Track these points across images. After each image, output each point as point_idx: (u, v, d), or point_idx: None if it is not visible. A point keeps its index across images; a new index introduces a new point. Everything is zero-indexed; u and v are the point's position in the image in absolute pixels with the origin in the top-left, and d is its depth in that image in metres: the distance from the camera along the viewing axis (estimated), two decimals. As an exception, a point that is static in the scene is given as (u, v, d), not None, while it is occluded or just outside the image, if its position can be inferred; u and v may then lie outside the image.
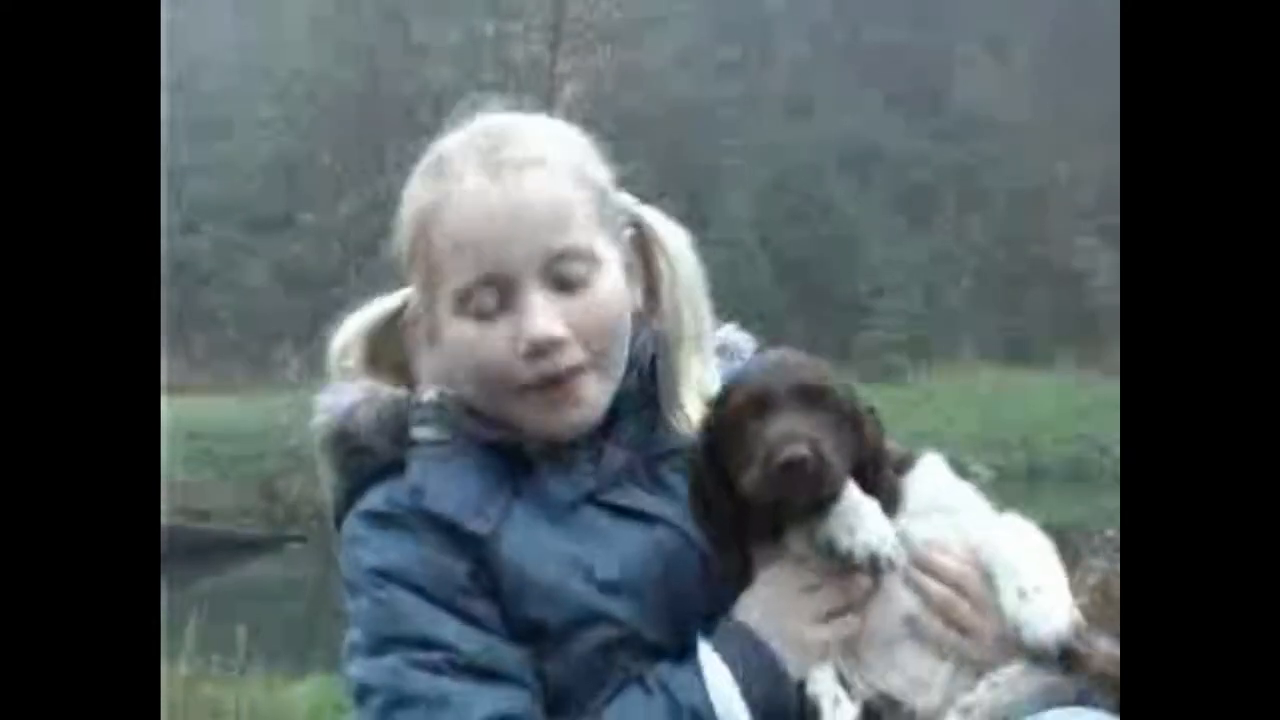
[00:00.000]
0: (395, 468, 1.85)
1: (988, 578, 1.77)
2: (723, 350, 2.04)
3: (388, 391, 1.91)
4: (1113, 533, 5.99)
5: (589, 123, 2.06)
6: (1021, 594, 1.72)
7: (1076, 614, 1.71)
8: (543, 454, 1.86)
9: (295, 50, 32.36)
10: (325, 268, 28.71)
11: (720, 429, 1.79)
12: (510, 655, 1.76)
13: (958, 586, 1.77)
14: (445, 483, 1.82)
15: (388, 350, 1.99)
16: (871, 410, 1.84)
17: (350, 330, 1.99)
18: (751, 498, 1.74)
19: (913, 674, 1.77)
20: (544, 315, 1.79)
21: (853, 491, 1.75)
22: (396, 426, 1.87)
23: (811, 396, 1.76)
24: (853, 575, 1.76)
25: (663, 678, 1.75)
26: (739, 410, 1.77)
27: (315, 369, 2.02)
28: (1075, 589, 1.77)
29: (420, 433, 1.87)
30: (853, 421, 1.78)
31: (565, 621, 1.76)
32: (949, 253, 35.72)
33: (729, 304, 2.06)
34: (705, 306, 1.97)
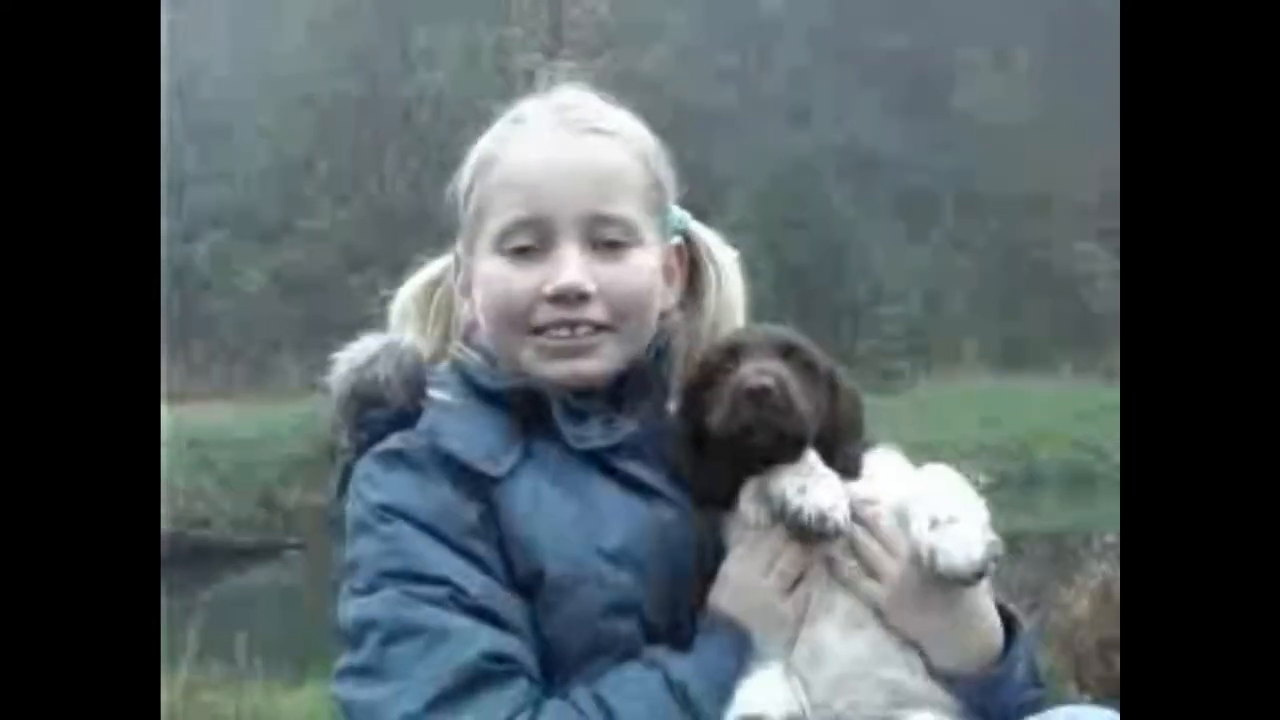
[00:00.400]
0: (411, 419, 1.86)
1: (901, 517, 1.79)
2: None
3: (409, 342, 1.95)
4: (1113, 537, 5.98)
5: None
6: (933, 523, 1.74)
7: (996, 544, 1.73)
8: (557, 400, 1.87)
9: (294, 57, 32.40)
10: (324, 274, 28.74)
11: (695, 379, 1.86)
12: (512, 603, 1.77)
13: (871, 528, 1.80)
14: (460, 426, 1.85)
15: (441, 308, 2.03)
16: (851, 389, 1.88)
17: (406, 290, 2.05)
18: (718, 435, 1.78)
19: (828, 642, 1.78)
20: (578, 267, 1.84)
21: (812, 456, 1.79)
22: (417, 377, 1.90)
23: (783, 349, 1.82)
24: (804, 542, 1.79)
25: (658, 659, 1.76)
26: (713, 361, 1.84)
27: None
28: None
29: (437, 394, 1.89)
30: (828, 385, 1.84)
31: (564, 580, 1.77)
32: (948, 258, 35.70)
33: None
34: (739, 322, 2.02)
